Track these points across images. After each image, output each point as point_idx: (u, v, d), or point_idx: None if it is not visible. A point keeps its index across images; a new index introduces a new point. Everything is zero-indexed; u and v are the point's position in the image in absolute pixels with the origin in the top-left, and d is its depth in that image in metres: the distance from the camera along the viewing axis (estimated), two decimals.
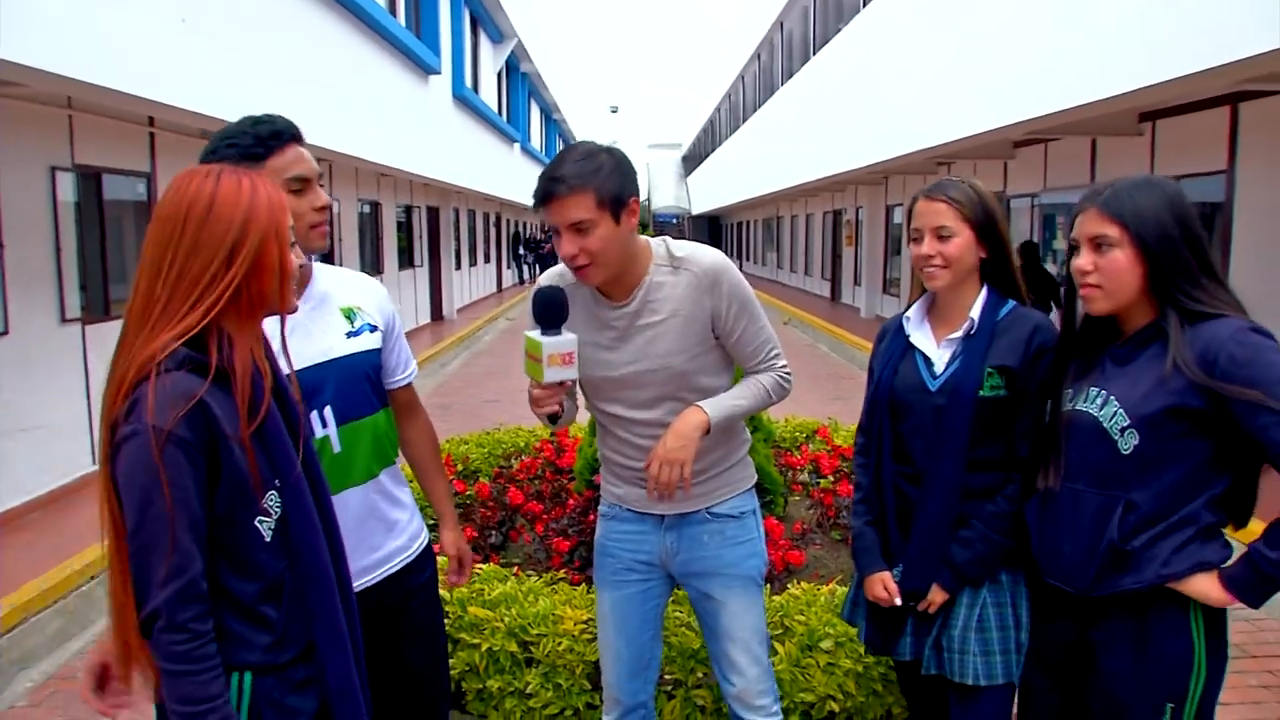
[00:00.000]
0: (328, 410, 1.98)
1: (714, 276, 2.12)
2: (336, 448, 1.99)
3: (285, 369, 1.62)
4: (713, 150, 39.98)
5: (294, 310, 1.58)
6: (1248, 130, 7.36)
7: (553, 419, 2.14)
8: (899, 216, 16.44)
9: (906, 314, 2.23)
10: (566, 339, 2.03)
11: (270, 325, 1.60)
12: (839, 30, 15.66)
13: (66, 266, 6.29)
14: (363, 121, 10.75)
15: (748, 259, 39.22)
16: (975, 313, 2.11)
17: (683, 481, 2.08)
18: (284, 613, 1.51)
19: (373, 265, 13.92)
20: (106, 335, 6.73)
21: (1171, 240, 1.83)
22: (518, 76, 26.11)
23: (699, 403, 2.12)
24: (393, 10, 12.39)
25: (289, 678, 1.52)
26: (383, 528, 2.11)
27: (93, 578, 4.66)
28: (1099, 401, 1.89)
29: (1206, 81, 5.77)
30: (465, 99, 16.98)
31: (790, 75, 21.22)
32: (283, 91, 8.07)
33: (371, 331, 2.09)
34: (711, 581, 2.30)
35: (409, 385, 2.27)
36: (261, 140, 1.88)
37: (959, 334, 2.12)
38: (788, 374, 2.27)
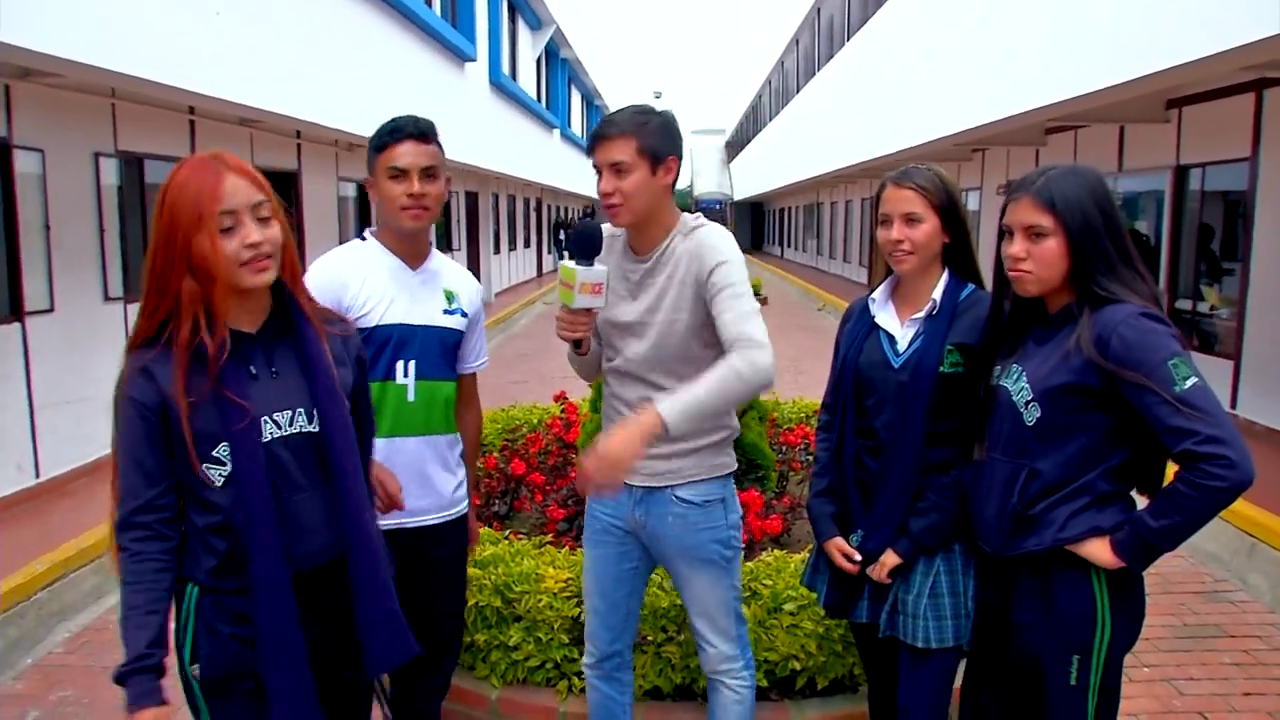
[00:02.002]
0: (411, 364, 2.38)
1: (704, 244, 2.26)
2: (411, 397, 2.39)
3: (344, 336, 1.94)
4: (755, 136, 39.88)
5: (255, 286, 1.72)
6: (1271, 117, 7.31)
7: (576, 346, 2.35)
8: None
9: (872, 295, 2.37)
10: (599, 270, 2.23)
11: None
12: (873, 15, 15.62)
13: (109, 248, 6.61)
14: (398, 109, 10.91)
15: (789, 245, 39.11)
16: (937, 294, 2.24)
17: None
18: (229, 548, 1.74)
19: None
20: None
21: (1094, 230, 1.95)
22: (557, 62, 26.29)
23: (658, 404, 2.03)
24: (429, 0, 12.62)
25: (224, 604, 1.75)
26: (425, 482, 2.43)
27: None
28: (1014, 377, 2.05)
29: (1228, 63, 5.77)
30: (502, 86, 17.20)
31: (828, 60, 21.16)
32: (317, 81, 8.34)
33: (462, 316, 2.49)
34: (675, 561, 2.43)
35: (474, 375, 2.64)
36: (381, 136, 2.36)
37: (921, 314, 2.25)
38: (765, 361, 2.11)
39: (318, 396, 1.79)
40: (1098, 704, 2.00)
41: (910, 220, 2.21)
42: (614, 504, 2.46)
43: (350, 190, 11.88)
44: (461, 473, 2.58)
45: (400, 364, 2.37)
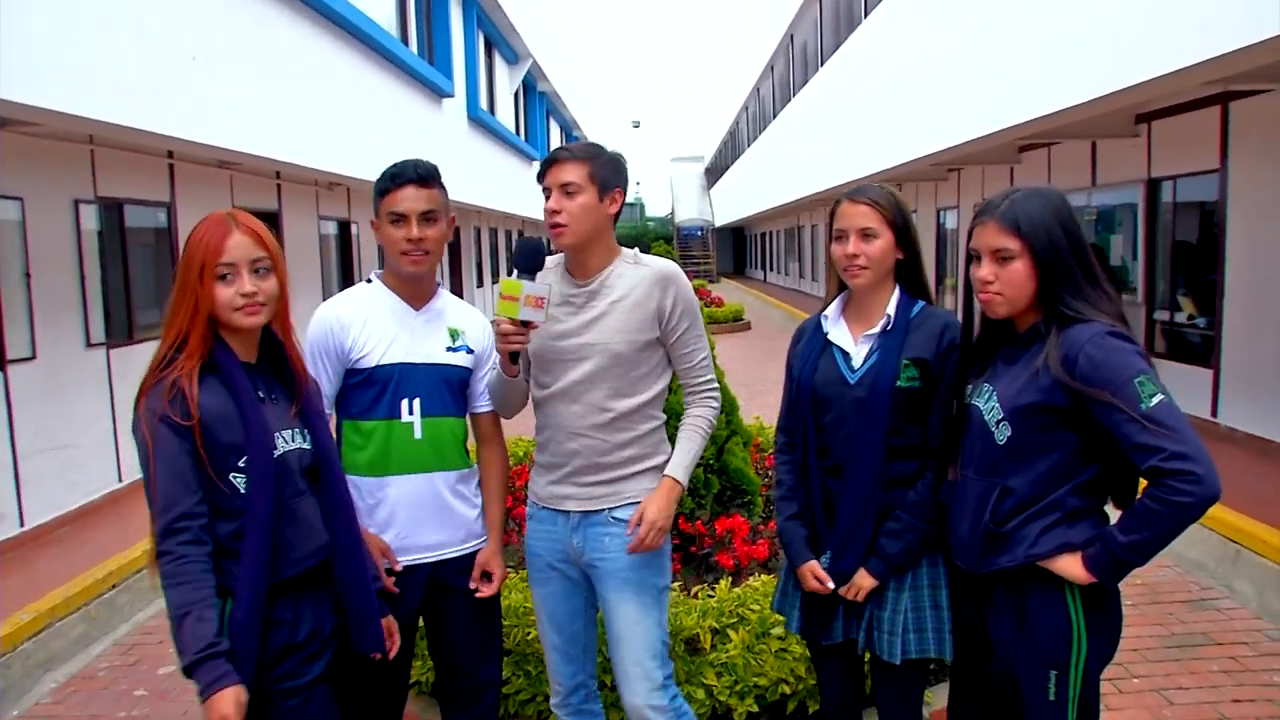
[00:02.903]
0: (416, 402, 2.43)
1: (667, 276, 2.40)
2: (418, 434, 2.44)
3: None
4: (733, 162, 40.16)
5: (247, 328, 1.99)
6: (1238, 130, 7.44)
7: (513, 358, 2.37)
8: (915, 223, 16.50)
9: (824, 313, 2.39)
10: (542, 285, 2.30)
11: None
12: (845, 40, 15.83)
13: (91, 293, 6.60)
14: (377, 146, 11.06)
15: (772, 269, 39.28)
16: (891, 309, 2.28)
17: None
18: (236, 546, 1.91)
19: None
20: (130, 358, 7.04)
21: (1060, 250, 1.98)
22: (535, 95, 26.46)
23: (668, 471, 2.42)
24: (404, 38, 12.73)
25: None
26: (443, 517, 2.48)
27: (114, 586, 4.92)
28: (985, 397, 2.07)
29: (1196, 77, 5.87)
30: (481, 120, 17.30)
31: (803, 85, 21.39)
32: (295, 121, 8.38)
33: (468, 353, 2.54)
34: (608, 583, 2.41)
35: (491, 414, 2.63)
36: (382, 180, 2.42)
37: (875, 330, 2.28)
38: (716, 399, 2.54)
39: (308, 418, 2.09)
40: (1077, 718, 2.02)
41: (866, 235, 2.25)
42: (550, 538, 2.48)
43: (331, 228, 11.90)
44: (480, 507, 2.59)
45: (405, 402, 2.42)
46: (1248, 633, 4.20)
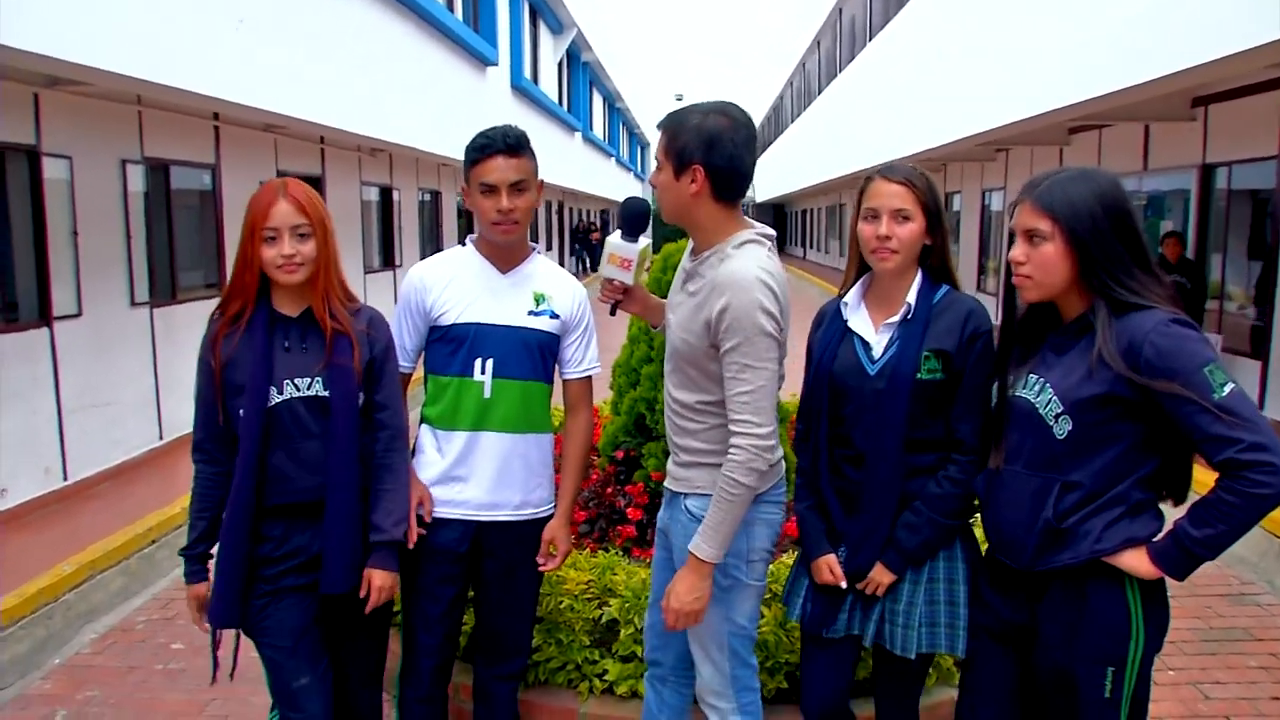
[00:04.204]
0: (489, 362, 2.47)
1: (723, 285, 2.10)
2: (487, 394, 2.47)
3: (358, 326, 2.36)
4: (776, 137, 39.79)
5: (286, 284, 2.24)
6: None
7: (611, 310, 2.46)
8: (957, 204, 16.29)
9: (845, 298, 2.29)
10: (630, 246, 2.32)
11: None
12: (895, 16, 15.56)
13: (136, 253, 6.69)
14: (421, 113, 11.09)
15: (812, 246, 39.00)
16: (911, 297, 2.18)
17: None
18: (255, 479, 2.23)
19: (433, 253, 14.25)
20: (173, 318, 7.15)
21: (1102, 233, 1.90)
22: (579, 66, 26.35)
23: (689, 547, 2.14)
24: (450, 5, 12.70)
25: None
26: (502, 479, 2.51)
27: (154, 541, 5.02)
28: (1036, 388, 1.99)
29: (1255, 60, 5.71)
30: (524, 89, 17.26)
31: (850, 61, 21.09)
32: (339, 87, 8.41)
33: (552, 318, 2.54)
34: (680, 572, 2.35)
35: (582, 381, 2.65)
36: (471, 151, 2.43)
37: (896, 318, 2.19)
38: (755, 449, 2.06)
39: (330, 369, 2.27)
40: (1129, 715, 1.96)
41: (900, 217, 2.14)
42: (663, 506, 2.44)
43: (373, 194, 11.96)
44: (548, 474, 2.61)
45: (478, 361, 2.46)
46: None
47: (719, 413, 2.22)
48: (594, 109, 30.94)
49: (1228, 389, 1.77)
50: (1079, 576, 1.95)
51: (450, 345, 2.48)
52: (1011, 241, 2.04)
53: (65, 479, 5.96)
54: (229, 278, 2.29)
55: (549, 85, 21.27)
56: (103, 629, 4.30)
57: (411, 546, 2.44)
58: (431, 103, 11.64)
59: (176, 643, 4.11)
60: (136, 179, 6.73)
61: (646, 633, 2.57)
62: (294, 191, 2.22)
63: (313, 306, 2.28)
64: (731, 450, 2.10)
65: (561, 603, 3.09)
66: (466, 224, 16.76)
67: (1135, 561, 1.90)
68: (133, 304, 6.69)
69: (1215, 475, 1.83)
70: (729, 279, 2.10)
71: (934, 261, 2.23)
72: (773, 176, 39.63)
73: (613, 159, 35.82)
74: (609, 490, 3.91)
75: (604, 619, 3.11)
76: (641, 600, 3.01)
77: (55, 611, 4.22)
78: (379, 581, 2.33)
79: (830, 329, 2.30)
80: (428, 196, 14.39)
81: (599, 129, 32.17)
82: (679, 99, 68.10)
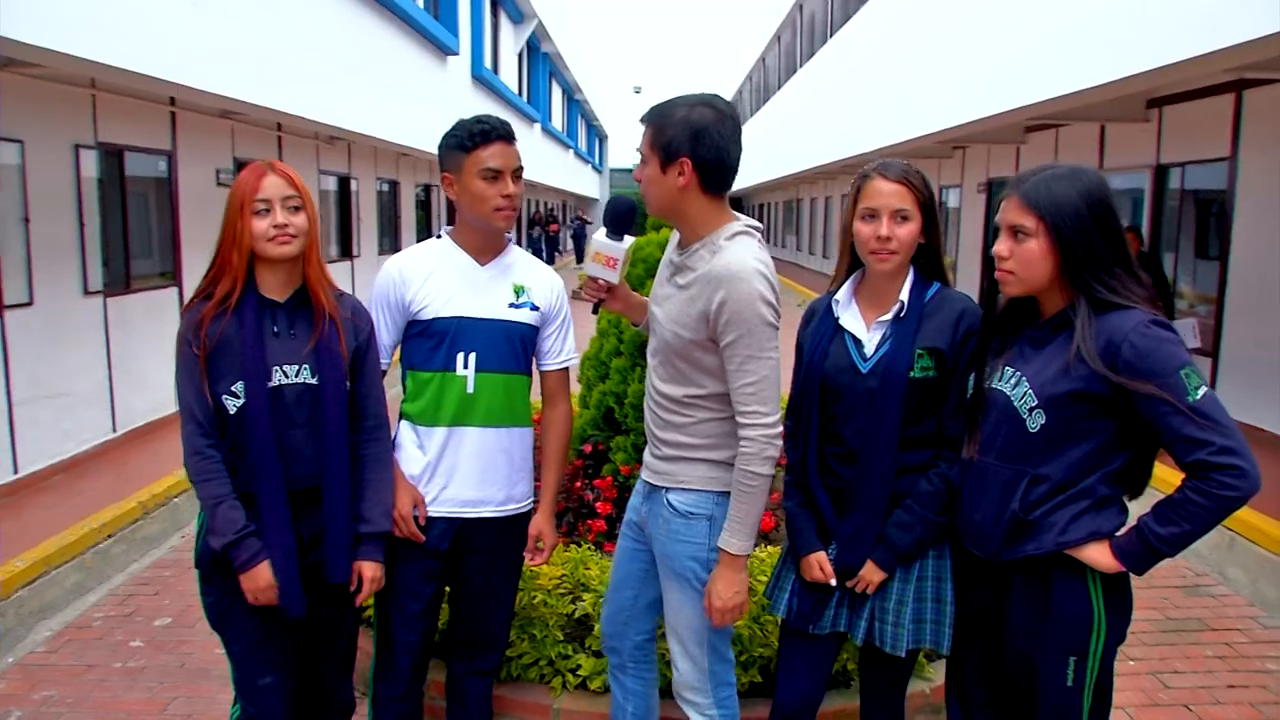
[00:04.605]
0: (472, 356, 2.43)
1: (720, 277, 2.10)
2: (470, 388, 2.44)
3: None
4: None
5: (279, 257, 2.20)
6: (1251, 118, 7.39)
7: (594, 308, 2.44)
8: None
9: (836, 295, 2.29)
10: (617, 245, 2.31)
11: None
12: (856, 13, 15.67)
13: (89, 241, 6.51)
14: (380, 102, 10.94)
15: (770, 241, 39.12)
16: (904, 295, 2.18)
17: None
18: (236, 461, 2.20)
19: (391, 243, 14.14)
20: (127, 308, 6.98)
21: (1086, 232, 1.92)
22: (539, 57, 26.19)
23: (720, 543, 2.17)
24: None
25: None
26: (486, 475, 2.48)
27: (110, 535, 4.90)
28: (1012, 382, 2.01)
29: (1210, 65, 5.83)
30: (484, 79, 17.12)
31: (809, 57, 21.21)
32: (298, 73, 8.26)
33: (532, 310, 2.52)
34: (659, 564, 2.36)
35: (560, 372, 2.64)
36: (471, 135, 2.37)
37: (888, 316, 2.19)
38: (756, 441, 2.12)
39: (319, 357, 2.23)
40: (1092, 703, 2.01)
41: (900, 217, 2.14)
42: (636, 498, 2.45)
43: (331, 184, 11.78)
44: (530, 469, 2.59)
45: (460, 355, 2.43)
46: (1241, 619, 4.24)
47: (707, 406, 2.22)
48: (553, 100, 30.79)
49: (1201, 392, 1.82)
50: (1042, 567, 1.99)
51: (432, 340, 2.44)
52: (995, 236, 2.06)
53: (15, 472, 5.79)
54: (213, 260, 2.22)
55: (509, 76, 21.12)
56: (58, 626, 4.19)
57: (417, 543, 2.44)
58: (392, 91, 11.50)
59: (135, 640, 4.02)
60: (90, 165, 6.55)
61: (603, 622, 2.56)
62: (281, 167, 2.22)
63: (308, 282, 2.26)
64: (744, 443, 2.14)
65: (535, 597, 3.08)
66: (424, 215, 16.59)
67: (1098, 555, 1.94)
68: (86, 293, 6.52)
69: (1179, 474, 1.87)
70: (726, 271, 2.10)
71: (925, 259, 2.24)
72: None
73: (571, 151, 35.69)
74: (577, 484, 3.90)
75: (577, 614, 3.10)
76: None
77: (7, 609, 4.11)
78: (371, 573, 2.32)
79: (821, 326, 2.29)
80: (386, 186, 14.22)
81: (558, 121, 32.01)
82: (637, 91, 67.92)
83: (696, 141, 2.11)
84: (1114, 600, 1.99)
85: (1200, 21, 5.45)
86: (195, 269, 8.09)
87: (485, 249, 2.50)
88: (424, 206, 16.56)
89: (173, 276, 7.80)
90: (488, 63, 17.97)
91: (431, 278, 2.45)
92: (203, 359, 2.16)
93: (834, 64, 17.28)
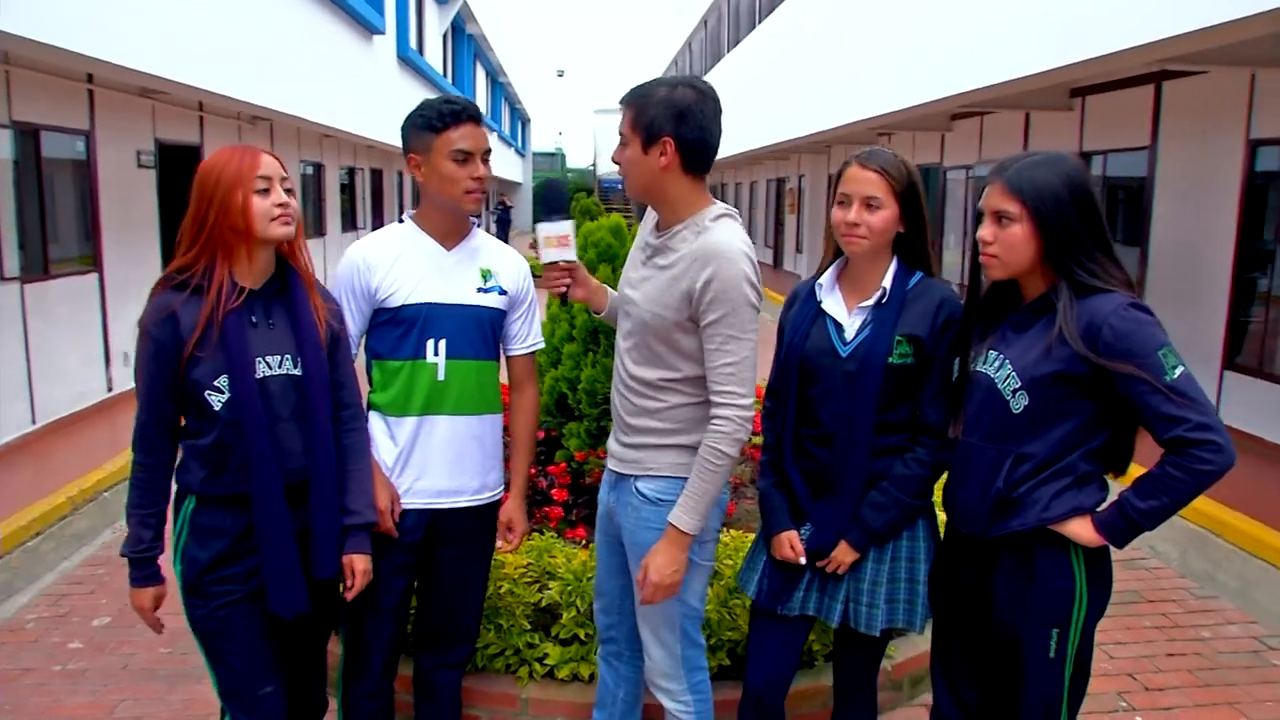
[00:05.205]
0: (442, 343, 2.37)
1: (708, 255, 2.09)
2: (440, 375, 2.38)
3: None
4: None
5: (281, 237, 2.09)
6: (1170, 109, 7.67)
7: (563, 298, 2.37)
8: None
9: (819, 280, 2.31)
10: (560, 225, 2.27)
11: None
12: (782, 0, 15.78)
13: (4, 225, 6.21)
14: (305, 81, 10.64)
15: None
16: (887, 282, 2.21)
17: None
18: (220, 461, 2.07)
19: (314, 228, 13.79)
20: (46, 294, 6.68)
21: (1066, 217, 1.97)
22: (463, 38, 25.79)
23: (670, 518, 2.13)
24: None
25: (215, 512, 2.10)
26: (459, 464, 2.43)
27: (37, 534, 4.70)
28: (996, 364, 2.06)
29: (1131, 59, 6.03)
30: (410, 60, 16.79)
31: (736, 43, 21.31)
32: (220, 49, 7.98)
33: (500, 294, 2.46)
34: (629, 552, 2.34)
35: (525, 358, 2.60)
36: (441, 116, 2.30)
37: (870, 302, 2.21)
38: (730, 422, 2.11)
39: (302, 347, 2.14)
40: (1072, 674, 2.07)
41: (870, 204, 2.17)
42: (604, 490, 2.43)
43: None
44: (499, 457, 2.54)
45: (430, 342, 2.37)
46: (1174, 590, 4.42)
47: (681, 390, 2.22)
48: (478, 82, 30.35)
49: (1178, 371, 1.88)
50: (1027, 543, 2.05)
51: (400, 327, 2.37)
52: (979, 221, 2.10)
53: None
54: (192, 244, 2.05)
55: (434, 57, 20.74)
56: None
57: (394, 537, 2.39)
58: (317, 70, 11.19)
59: (74, 642, 3.85)
60: (4, 145, 6.24)
61: (597, 614, 2.56)
62: (265, 149, 2.12)
63: (295, 267, 2.17)
64: (716, 422, 2.12)
65: (501, 587, 3.04)
66: (349, 200, 16.23)
67: (1080, 529, 2.00)
68: (1, 279, 6.21)
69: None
70: (715, 250, 2.10)
71: (909, 248, 2.26)
72: None
73: (495, 134, 35.26)
74: (531, 471, 3.87)
75: (543, 603, 3.07)
76: (584, 583, 2.99)
77: None
78: (362, 566, 2.25)
79: (803, 309, 2.31)
80: (310, 169, 13.85)
81: (482, 103, 31.56)
82: (560, 75, 67.56)
83: (680, 121, 2.11)
84: (1095, 573, 2.05)
85: (1123, 17, 5.63)
86: (117, 254, 7.77)
87: (451, 232, 2.44)
88: (348, 190, 16.19)
89: (93, 262, 7.49)
90: (413, 43, 17.63)
91: (398, 263, 2.38)
92: (187, 355, 2.01)
93: (762, 50, 17.40)
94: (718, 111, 2.17)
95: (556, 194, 2.32)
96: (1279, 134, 6.45)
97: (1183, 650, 3.81)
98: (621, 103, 2.20)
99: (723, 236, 2.12)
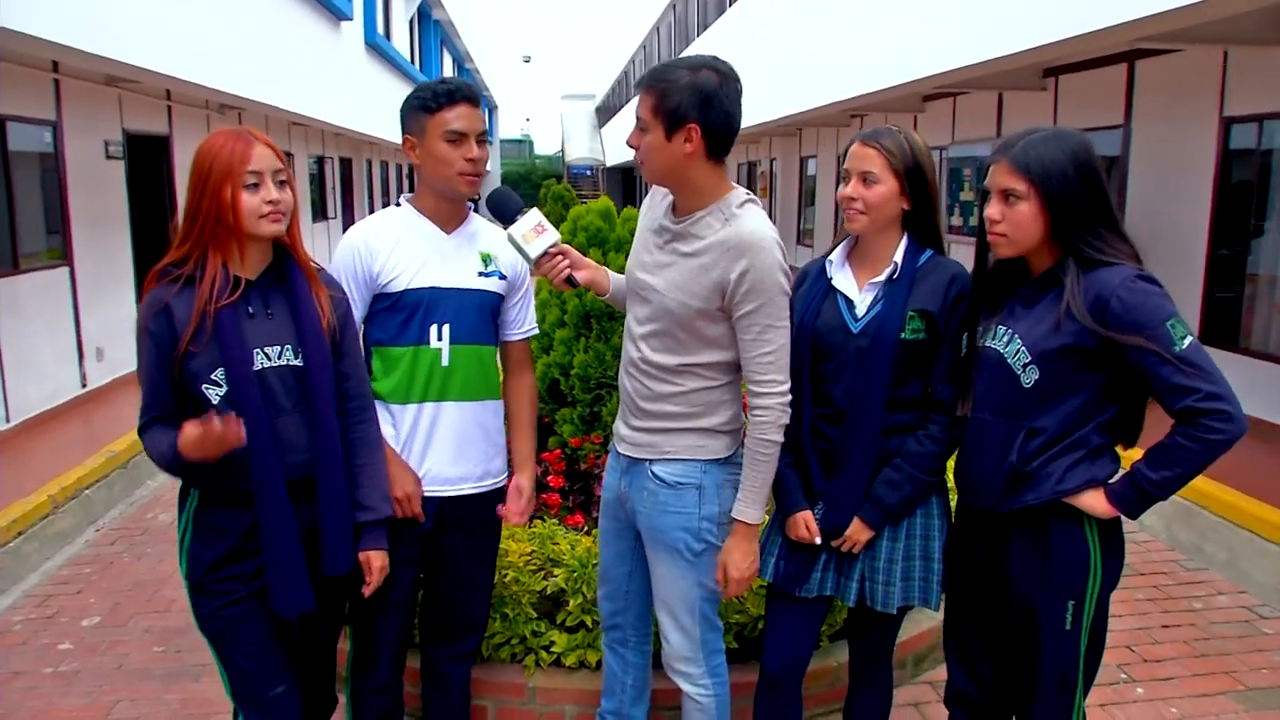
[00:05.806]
0: (445, 328, 2.34)
1: (742, 246, 2.08)
2: (445, 361, 2.35)
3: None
4: (627, 101, 39.74)
5: (270, 235, 2.03)
6: (1142, 87, 7.73)
7: (571, 282, 2.31)
8: (813, 168, 16.72)
9: (830, 256, 2.32)
10: (528, 217, 2.25)
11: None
12: None
13: None
14: (273, 68, 10.47)
15: None
16: (898, 258, 2.21)
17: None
18: (222, 456, 1.95)
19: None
20: (15, 289, 6.53)
21: (1073, 193, 1.98)
22: (430, 24, 25.51)
23: (734, 514, 2.20)
24: None
25: (218, 509, 2.06)
26: (464, 451, 2.40)
27: (19, 534, 4.59)
28: (1005, 339, 2.07)
29: (1105, 39, 6.07)
30: (378, 46, 16.59)
31: (705, 27, 21.23)
32: (186, 34, 7.82)
33: (500, 279, 2.44)
34: (645, 537, 2.34)
35: (523, 342, 2.58)
36: (435, 96, 2.26)
37: (881, 278, 2.22)
38: (772, 411, 2.14)
39: (303, 336, 2.08)
40: (1087, 645, 2.10)
41: (866, 179, 2.18)
42: (611, 475, 2.41)
43: None
44: (502, 444, 2.51)
45: (434, 328, 2.33)
46: (1165, 563, 4.48)
47: (700, 374, 2.21)
48: (444, 69, 30.05)
49: (1187, 342, 1.89)
50: (1041, 517, 2.06)
51: (402, 313, 2.33)
52: (985, 200, 2.10)
53: None
54: (184, 236, 2.00)
55: (401, 43, 20.51)
56: None
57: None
58: (286, 56, 11.01)
59: (64, 643, 3.78)
60: None
61: (601, 601, 2.55)
62: (262, 135, 2.03)
63: (294, 255, 2.11)
64: (759, 412, 2.14)
65: (506, 575, 3.01)
66: (319, 189, 16.01)
67: (1093, 501, 2.01)
68: None
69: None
70: (749, 240, 2.08)
71: (919, 225, 2.26)
72: (623, 141, 39.64)
73: None
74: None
75: (549, 590, 3.05)
76: (589, 570, 2.97)
77: None
78: (380, 562, 2.21)
79: (814, 287, 2.31)
80: None
81: None
82: (526, 61, 67.10)
83: (706, 107, 2.07)
84: (1109, 545, 2.08)
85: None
86: (87, 248, 7.62)
87: (449, 217, 2.40)
88: (316, 180, 15.98)
89: (63, 255, 7.33)
90: (380, 29, 17.41)
91: (399, 247, 2.33)
92: (182, 349, 1.97)
93: (731, 34, 17.34)
94: (739, 92, 2.14)
95: (504, 200, 2.31)
96: (1253, 111, 6.52)
97: (1177, 621, 3.87)
98: (639, 87, 2.15)
99: (754, 225, 2.11)
